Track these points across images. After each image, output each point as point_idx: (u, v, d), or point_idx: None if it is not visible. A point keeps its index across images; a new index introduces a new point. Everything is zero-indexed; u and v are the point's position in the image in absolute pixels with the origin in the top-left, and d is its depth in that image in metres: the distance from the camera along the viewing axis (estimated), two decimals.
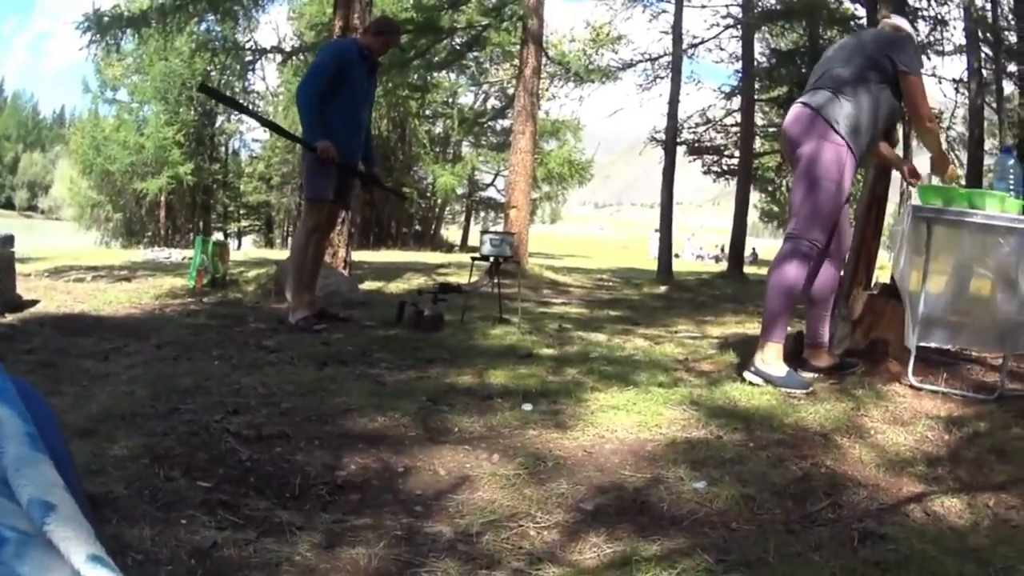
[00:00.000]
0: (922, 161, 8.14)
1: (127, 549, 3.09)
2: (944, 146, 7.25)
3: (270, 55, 27.48)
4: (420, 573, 3.17)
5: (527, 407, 5.55)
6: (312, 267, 9.38)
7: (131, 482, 3.78)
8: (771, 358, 6.38)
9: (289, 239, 53.39)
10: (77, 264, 18.29)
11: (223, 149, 59.61)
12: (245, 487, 3.93)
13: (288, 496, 3.89)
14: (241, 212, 61.40)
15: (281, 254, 23.60)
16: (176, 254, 24.17)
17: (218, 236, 43.30)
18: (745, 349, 7.74)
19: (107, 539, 2.64)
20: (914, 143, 19.02)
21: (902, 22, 6.99)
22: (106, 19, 19.21)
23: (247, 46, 30.04)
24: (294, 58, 27.85)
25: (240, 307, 10.84)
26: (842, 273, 7.26)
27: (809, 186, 6.35)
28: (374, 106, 9.84)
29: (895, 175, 11.72)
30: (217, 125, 57.15)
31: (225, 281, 13.25)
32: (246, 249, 45.57)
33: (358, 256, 17.36)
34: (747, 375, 6.41)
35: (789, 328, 6.65)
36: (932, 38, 23.78)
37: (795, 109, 6.59)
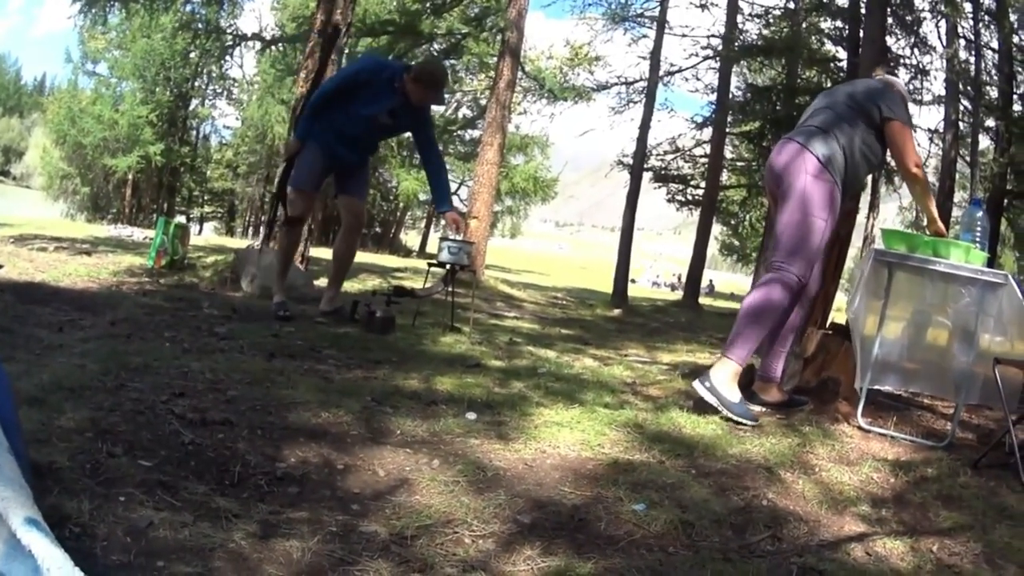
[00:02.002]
0: (890, 209, 8.14)
1: (65, 521, 3.07)
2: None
3: (250, 42, 27.43)
4: (353, 572, 3.15)
5: (471, 416, 5.51)
6: (337, 266, 9.81)
7: (74, 454, 3.76)
8: (727, 377, 6.25)
9: (251, 229, 53.56)
10: (42, 233, 18.53)
11: (194, 133, 59.76)
12: (185, 470, 3.90)
13: (227, 483, 3.85)
14: (205, 198, 61.52)
15: (240, 243, 23.53)
16: (138, 233, 24.26)
17: (180, 219, 43.18)
18: (694, 377, 7.72)
19: (47, 509, 2.71)
20: (882, 190, 19.18)
21: (896, 80, 6.98)
22: None
23: (229, 31, 30.05)
24: (272, 48, 27.83)
25: (195, 291, 10.90)
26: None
27: (797, 220, 6.27)
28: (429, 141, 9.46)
29: (859, 218, 11.79)
30: (191, 108, 57.18)
31: (183, 264, 13.33)
32: (207, 235, 45.68)
33: (316, 252, 17.33)
34: (698, 386, 6.26)
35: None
36: (912, 87, 23.96)
37: (784, 144, 6.52)
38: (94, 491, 3.41)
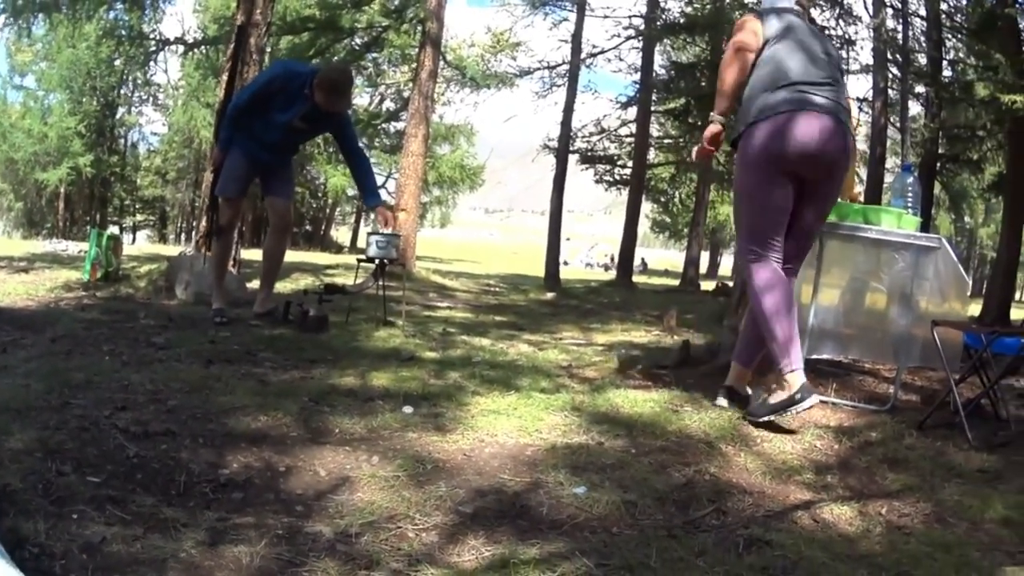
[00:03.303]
0: None
1: (24, 542, 3.12)
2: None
3: (173, 46, 27.31)
4: (300, 572, 3.19)
5: (408, 410, 5.50)
6: (268, 265, 9.71)
7: (26, 475, 3.76)
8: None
9: (183, 235, 53.35)
10: None
11: (122, 141, 59.12)
12: (132, 483, 3.90)
13: (173, 493, 3.87)
14: (137, 206, 61.13)
15: (173, 250, 23.45)
16: (73, 246, 24.05)
17: (113, 229, 42.77)
18: (630, 357, 7.72)
19: (5, 532, 2.74)
20: None
21: None
22: (20, 2, 19.15)
23: (151, 36, 29.93)
24: (196, 51, 27.72)
25: (131, 302, 10.80)
26: (732, 284, 7.08)
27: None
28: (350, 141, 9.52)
29: None
30: (118, 116, 56.68)
31: (118, 275, 13.27)
32: (140, 244, 45.47)
33: (248, 254, 17.24)
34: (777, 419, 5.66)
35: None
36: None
37: (839, 127, 5.59)
38: (48, 511, 3.44)
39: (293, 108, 8.74)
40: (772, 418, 5.44)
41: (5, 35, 20.24)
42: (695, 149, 6.02)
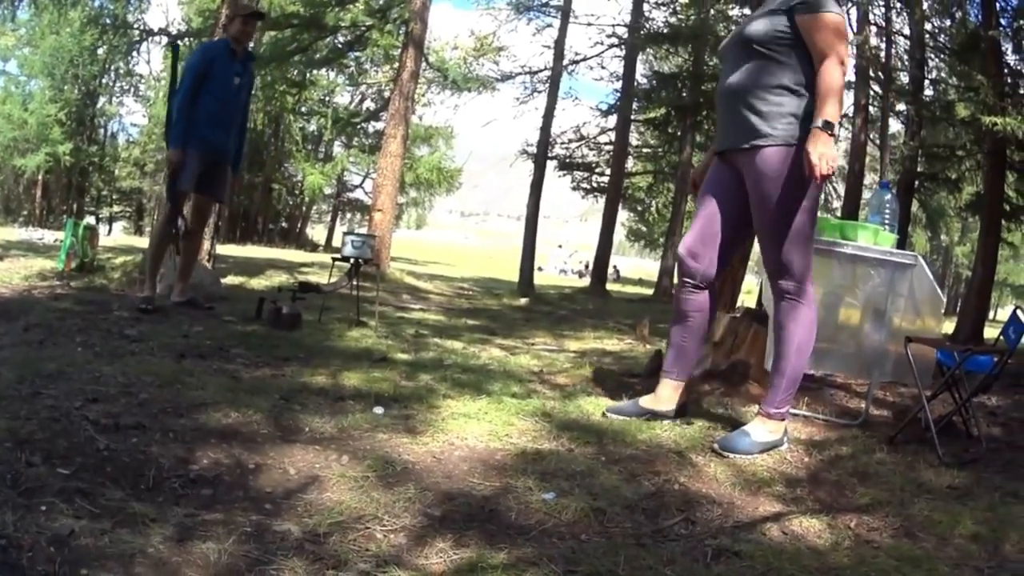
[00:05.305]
0: None
1: None
2: None
3: (156, 38, 27.27)
4: (268, 571, 3.15)
5: (379, 410, 5.50)
6: (186, 260, 9.78)
7: None
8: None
9: None
10: None
11: (102, 131, 58.85)
12: (102, 476, 3.87)
13: (143, 487, 3.83)
14: (114, 197, 60.82)
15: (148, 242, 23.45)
16: (49, 235, 23.92)
17: (90, 220, 42.49)
18: (601, 364, 7.72)
19: None
20: None
21: None
22: None
23: (135, 26, 29.86)
24: (179, 42, 27.77)
25: (105, 293, 10.79)
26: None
27: None
28: (251, 97, 10.01)
29: None
30: (99, 106, 56.40)
31: (93, 266, 13.20)
32: (116, 235, 45.26)
33: (223, 250, 17.26)
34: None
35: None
36: None
37: None
38: (16, 502, 3.41)
39: (228, 70, 9.21)
40: (758, 455, 5.35)
41: None
42: (826, 168, 4.91)
